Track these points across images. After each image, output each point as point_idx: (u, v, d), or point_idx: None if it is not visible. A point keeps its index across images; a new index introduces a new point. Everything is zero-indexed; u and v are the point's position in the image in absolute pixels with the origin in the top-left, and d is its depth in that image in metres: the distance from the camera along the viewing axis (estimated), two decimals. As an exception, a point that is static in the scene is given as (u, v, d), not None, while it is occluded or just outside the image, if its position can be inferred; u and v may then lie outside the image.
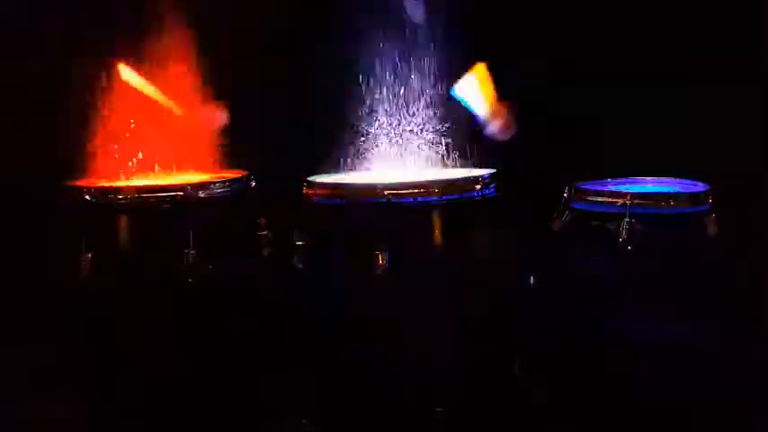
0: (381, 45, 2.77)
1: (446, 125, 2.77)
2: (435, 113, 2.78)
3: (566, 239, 2.58)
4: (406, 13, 2.86)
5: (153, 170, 2.76)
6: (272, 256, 2.59)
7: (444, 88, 2.81)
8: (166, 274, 2.40)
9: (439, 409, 2.35)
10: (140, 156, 2.84)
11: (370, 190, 2.34)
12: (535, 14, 3.00)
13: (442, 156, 2.71)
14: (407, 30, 2.81)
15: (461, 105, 2.79)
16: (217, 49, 3.28)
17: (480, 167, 2.60)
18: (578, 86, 3.07)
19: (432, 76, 2.81)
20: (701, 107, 3.14)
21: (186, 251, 2.40)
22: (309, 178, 2.52)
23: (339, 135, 2.81)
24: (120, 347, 2.42)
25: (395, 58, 2.78)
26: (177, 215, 2.43)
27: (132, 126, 3.01)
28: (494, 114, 2.76)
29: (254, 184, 2.63)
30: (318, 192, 2.45)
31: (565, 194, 2.61)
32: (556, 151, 2.94)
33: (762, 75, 3.14)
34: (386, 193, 2.32)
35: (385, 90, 2.77)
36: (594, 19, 3.14)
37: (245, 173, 2.64)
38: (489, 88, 2.77)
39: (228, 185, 2.55)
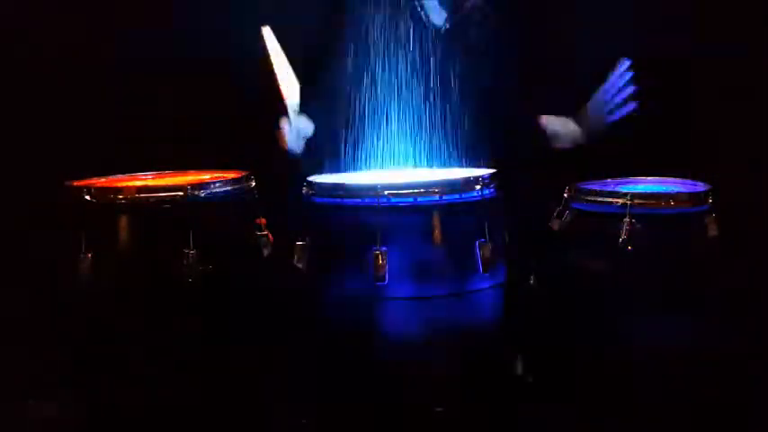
0: (383, 45, 2.78)
1: (447, 125, 2.77)
2: (437, 113, 2.78)
3: (566, 239, 2.59)
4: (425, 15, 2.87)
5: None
6: (272, 256, 2.59)
7: (446, 87, 2.81)
8: (166, 274, 2.40)
9: (439, 409, 2.35)
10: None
11: (370, 190, 2.33)
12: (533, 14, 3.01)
13: (442, 155, 2.71)
14: (410, 30, 2.81)
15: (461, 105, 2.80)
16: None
17: (480, 167, 2.60)
18: (578, 85, 3.08)
19: (433, 76, 2.81)
20: (701, 106, 3.15)
21: (186, 251, 2.39)
22: (309, 178, 2.51)
23: (339, 135, 2.81)
24: (120, 347, 2.42)
25: (396, 58, 2.78)
26: (177, 215, 2.42)
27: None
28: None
29: (253, 184, 2.63)
30: (318, 192, 2.45)
31: (565, 194, 2.61)
32: (556, 151, 2.94)
33: (762, 73, 3.14)
34: (386, 193, 2.31)
35: (386, 89, 2.77)
36: (592, 16, 3.15)
37: (245, 173, 2.63)
38: None
39: (228, 185, 2.55)
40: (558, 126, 2.91)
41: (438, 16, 2.91)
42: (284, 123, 2.75)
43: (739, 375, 2.53)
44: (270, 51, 2.64)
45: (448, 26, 2.90)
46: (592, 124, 2.88)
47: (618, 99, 2.81)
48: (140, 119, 3.28)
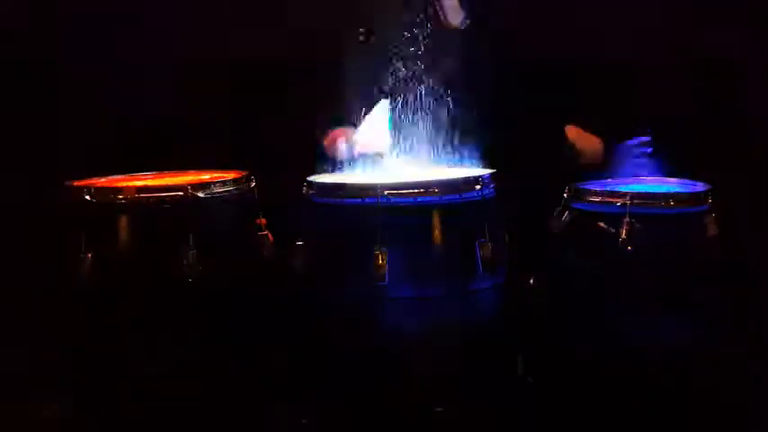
0: (385, 46, 2.78)
1: (448, 124, 2.77)
2: (438, 113, 2.78)
3: (566, 239, 2.58)
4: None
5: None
6: (272, 256, 2.59)
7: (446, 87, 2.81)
8: (166, 274, 2.40)
9: (439, 409, 2.35)
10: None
11: (370, 190, 2.33)
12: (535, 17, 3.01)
13: (443, 155, 2.71)
14: (411, 31, 2.81)
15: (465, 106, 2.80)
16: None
17: (480, 167, 2.60)
18: (578, 86, 3.08)
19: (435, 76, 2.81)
20: (700, 106, 3.15)
21: (186, 251, 2.39)
22: (309, 178, 2.52)
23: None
24: (120, 347, 2.42)
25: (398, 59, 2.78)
26: (177, 215, 2.42)
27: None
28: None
29: (253, 184, 2.63)
30: (318, 192, 2.45)
31: (565, 194, 2.61)
32: (556, 151, 2.94)
33: (762, 72, 3.14)
34: (386, 192, 2.31)
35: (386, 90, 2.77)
36: (593, 17, 3.15)
37: (245, 173, 2.63)
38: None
39: (228, 185, 2.55)
40: (581, 141, 2.92)
41: (455, 16, 2.91)
42: (345, 140, 2.75)
43: (739, 375, 2.53)
44: (372, 116, 2.64)
45: (464, 27, 2.90)
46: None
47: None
48: (140, 119, 3.28)
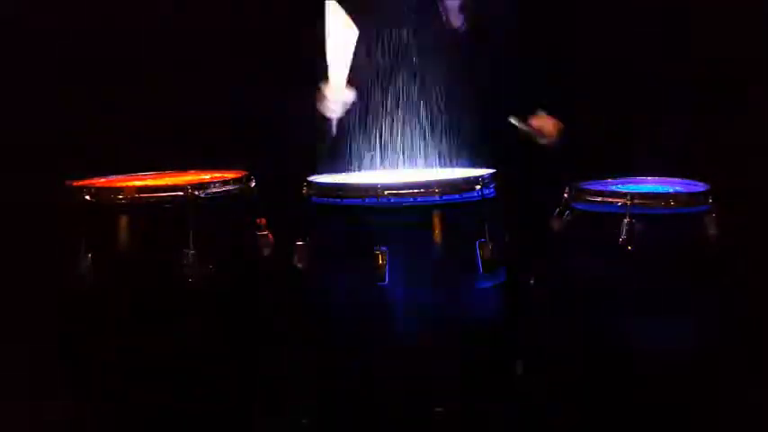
0: (383, 44, 2.78)
1: (447, 124, 2.77)
2: (438, 112, 2.78)
3: (566, 239, 2.59)
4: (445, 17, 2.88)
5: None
6: (272, 256, 2.59)
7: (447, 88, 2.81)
8: (166, 274, 2.40)
9: (439, 409, 2.35)
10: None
11: (370, 190, 2.33)
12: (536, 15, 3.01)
13: (443, 155, 2.71)
14: (409, 29, 2.81)
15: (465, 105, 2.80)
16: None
17: (481, 167, 2.60)
18: (578, 86, 3.08)
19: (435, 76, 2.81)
20: (700, 106, 3.15)
21: (186, 251, 2.39)
22: (309, 178, 2.52)
23: (339, 134, 2.80)
24: (120, 348, 2.42)
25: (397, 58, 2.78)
26: (177, 215, 2.42)
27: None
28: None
29: (254, 184, 2.63)
30: (318, 192, 2.45)
31: (565, 194, 2.61)
32: (556, 151, 2.94)
33: (762, 73, 3.14)
34: (386, 192, 2.31)
35: (386, 89, 2.77)
36: (593, 18, 3.15)
37: (245, 173, 2.63)
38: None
39: (228, 185, 2.55)
40: (535, 123, 2.91)
41: (456, 17, 2.91)
42: (327, 91, 2.71)
43: (739, 375, 2.53)
44: (330, 25, 2.59)
45: (464, 28, 2.91)
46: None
47: None
48: (140, 119, 3.28)
